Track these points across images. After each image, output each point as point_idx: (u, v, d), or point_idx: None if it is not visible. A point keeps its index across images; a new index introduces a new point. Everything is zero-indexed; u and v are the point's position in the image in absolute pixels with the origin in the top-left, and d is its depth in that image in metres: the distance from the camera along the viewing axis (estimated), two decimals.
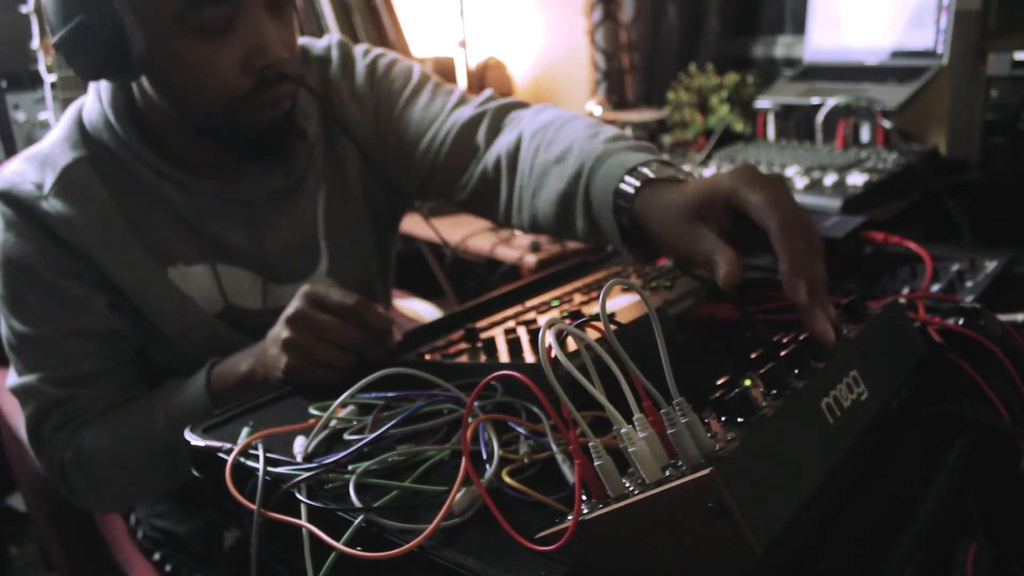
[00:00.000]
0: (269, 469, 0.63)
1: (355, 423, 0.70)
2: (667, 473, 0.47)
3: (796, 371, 0.56)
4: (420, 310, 1.81)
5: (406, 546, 0.52)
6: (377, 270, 1.16)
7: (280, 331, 0.84)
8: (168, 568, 1.11)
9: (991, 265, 0.96)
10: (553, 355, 0.48)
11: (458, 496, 0.55)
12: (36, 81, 2.01)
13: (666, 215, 0.72)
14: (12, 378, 0.99)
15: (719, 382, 0.58)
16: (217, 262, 1.01)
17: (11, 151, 2.05)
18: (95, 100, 0.97)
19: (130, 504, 1.14)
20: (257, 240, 1.02)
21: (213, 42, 0.85)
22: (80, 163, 0.95)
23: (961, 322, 0.73)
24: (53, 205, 0.93)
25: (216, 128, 0.93)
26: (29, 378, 0.96)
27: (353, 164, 1.09)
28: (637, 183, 0.76)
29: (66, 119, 1.00)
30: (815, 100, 1.84)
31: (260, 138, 0.95)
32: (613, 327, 0.49)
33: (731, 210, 0.68)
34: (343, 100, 1.08)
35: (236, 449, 0.66)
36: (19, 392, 0.98)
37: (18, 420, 1.09)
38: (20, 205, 0.94)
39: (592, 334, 0.52)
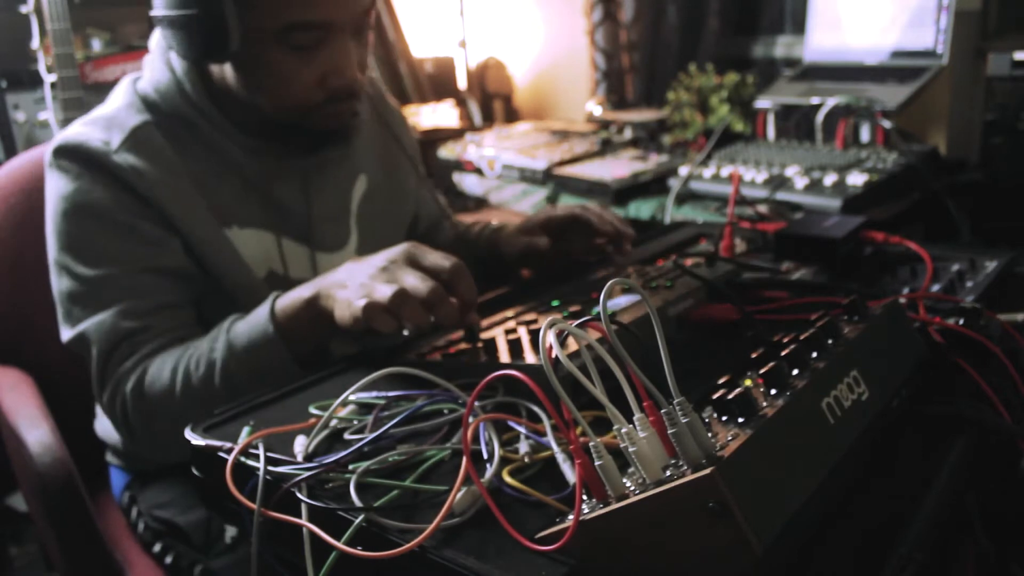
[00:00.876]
0: (270, 468, 0.63)
1: (355, 423, 0.70)
2: (668, 473, 0.47)
3: (796, 371, 0.56)
4: None
5: (406, 546, 0.52)
6: None
7: (371, 271, 0.84)
8: (168, 560, 1.11)
9: (991, 265, 0.96)
10: (554, 355, 0.48)
11: (458, 496, 0.55)
12: (36, 81, 2.01)
13: (502, 235, 1.22)
14: (71, 329, 0.99)
15: (719, 382, 0.58)
16: (270, 227, 1.07)
17: (11, 151, 2.05)
18: (163, 69, 1.03)
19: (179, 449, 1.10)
20: (308, 205, 1.10)
21: (300, 57, 0.95)
22: (147, 125, 1.01)
23: (961, 322, 0.73)
24: (124, 159, 0.98)
25: (282, 121, 1.02)
26: (100, 316, 0.96)
27: (394, 167, 1.23)
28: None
29: (122, 91, 1.06)
30: (815, 100, 1.84)
31: (319, 135, 1.07)
32: (614, 327, 0.49)
33: (542, 225, 1.16)
34: (392, 114, 1.26)
35: (236, 448, 0.66)
36: (85, 335, 0.97)
37: (21, 417, 1.09)
38: (91, 158, 0.98)
39: (593, 334, 0.52)
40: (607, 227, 1.13)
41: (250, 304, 1.00)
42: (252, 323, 0.92)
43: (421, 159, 1.33)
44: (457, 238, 1.32)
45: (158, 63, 1.04)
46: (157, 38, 1.07)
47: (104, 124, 1.01)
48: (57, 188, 1.00)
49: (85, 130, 1.01)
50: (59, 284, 1.00)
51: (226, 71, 1.00)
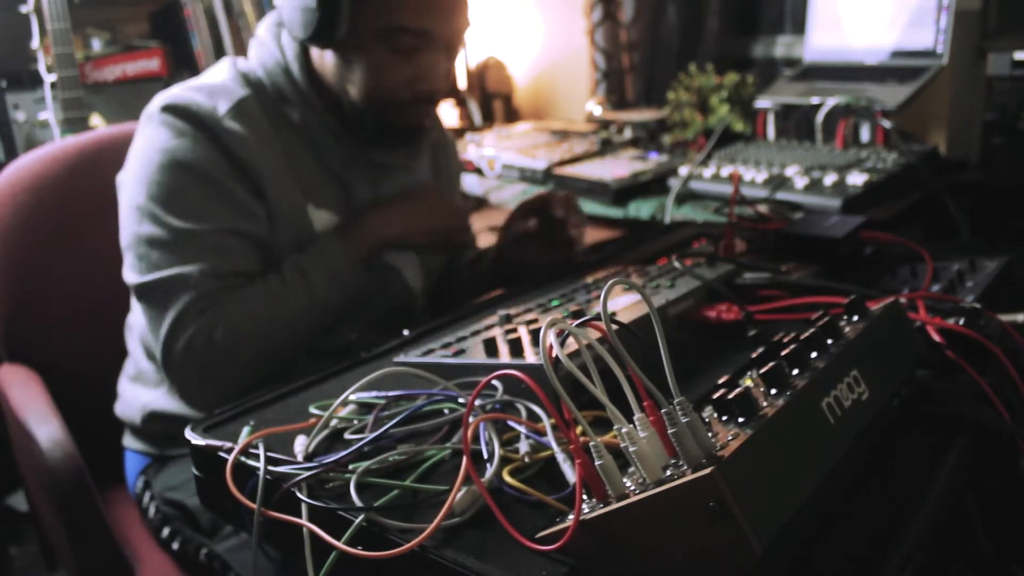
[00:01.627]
0: (270, 468, 0.63)
1: (355, 422, 0.70)
2: (668, 473, 0.47)
3: (796, 371, 0.56)
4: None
5: (407, 545, 0.52)
6: (439, 266, 1.33)
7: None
8: (175, 546, 1.11)
9: (991, 265, 0.96)
10: (554, 355, 0.48)
11: (459, 496, 0.55)
12: (36, 81, 2.00)
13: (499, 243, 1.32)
14: (147, 273, 1.01)
15: (719, 382, 0.58)
16: (340, 213, 1.14)
17: (11, 151, 2.05)
18: (274, 49, 1.12)
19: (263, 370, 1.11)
20: (374, 199, 1.18)
21: (395, 58, 1.05)
22: (250, 98, 1.09)
23: (961, 322, 0.73)
24: (230, 124, 1.05)
25: (364, 110, 1.10)
26: (185, 268, 1.00)
27: (445, 177, 1.34)
28: None
29: (224, 67, 1.14)
30: (815, 100, 1.84)
31: (394, 133, 1.14)
32: (614, 327, 0.49)
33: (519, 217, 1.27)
34: (448, 143, 1.38)
35: (237, 448, 0.66)
36: (165, 284, 1.00)
37: (30, 412, 1.09)
38: (197, 118, 1.04)
39: (593, 334, 0.52)
40: (560, 207, 1.21)
41: None
42: (320, 240, 1.10)
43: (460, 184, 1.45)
44: (468, 267, 1.39)
45: (269, 44, 1.12)
46: (269, 24, 1.15)
47: (210, 92, 1.07)
48: (158, 140, 1.04)
49: (191, 94, 1.06)
50: (139, 228, 1.03)
51: (326, 58, 1.08)
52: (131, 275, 1.04)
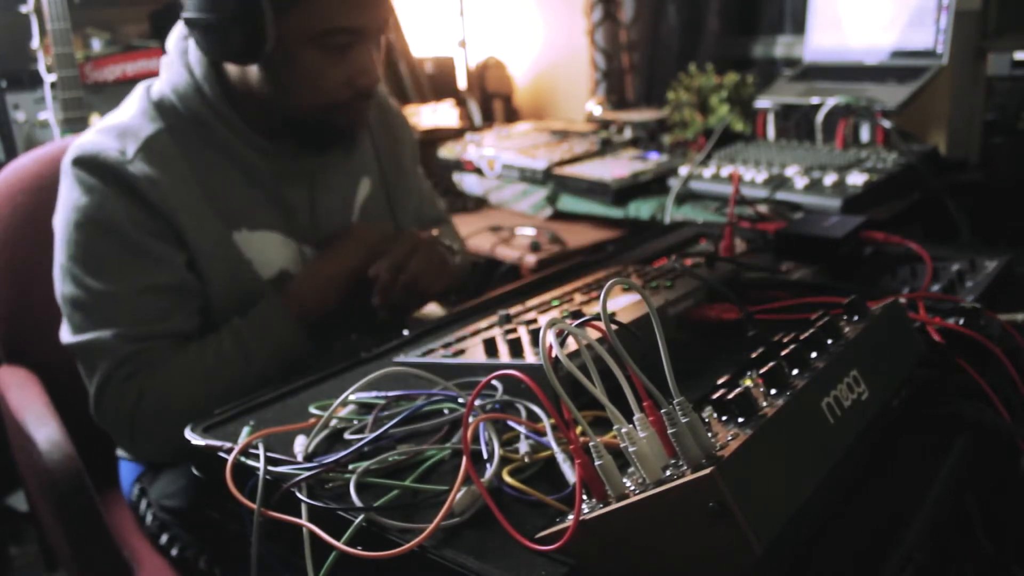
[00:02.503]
0: (270, 468, 0.63)
1: (355, 423, 0.70)
2: (668, 473, 0.47)
3: (796, 371, 0.56)
4: (423, 309, 1.81)
5: (406, 546, 0.52)
6: None
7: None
8: (174, 552, 1.11)
9: (991, 265, 0.96)
10: (554, 355, 0.48)
11: (458, 496, 0.55)
12: (36, 81, 2.00)
13: None
14: (73, 335, 1.02)
15: (719, 382, 0.58)
16: (280, 229, 1.11)
17: (11, 151, 2.05)
18: (182, 71, 1.06)
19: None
20: (312, 206, 1.14)
21: (333, 59, 1.01)
22: (160, 134, 1.04)
23: (961, 322, 0.73)
24: (139, 168, 1.00)
25: (301, 120, 1.06)
26: (102, 333, 1.00)
27: (397, 169, 1.26)
28: None
29: (136, 98, 1.09)
30: (815, 100, 1.84)
31: (336, 133, 1.10)
32: (614, 327, 0.49)
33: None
34: (395, 117, 1.30)
35: (236, 448, 0.66)
36: (87, 347, 1.01)
37: (28, 414, 1.09)
38: (105, 169, 1.00)
39: (593, 334, 0.52)
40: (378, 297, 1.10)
41: (237, 311, 1.06)
42: (260, 305, 1.05)
43: (420, 160, 1.36)
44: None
45: (176, 65, 1.07)
46: (175, 40, 1.09)
47: (119, 133, 1.03)
48: (71, 197, 1.02)
49: (100, 139, 1.03)
50: (63, 288, 1.03)
51: (249, 72, 1.03)
52: (62, 333, 1.04)
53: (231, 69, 1.05)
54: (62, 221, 1.03)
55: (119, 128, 1.04)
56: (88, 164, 1.01)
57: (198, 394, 1.00)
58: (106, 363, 1.01)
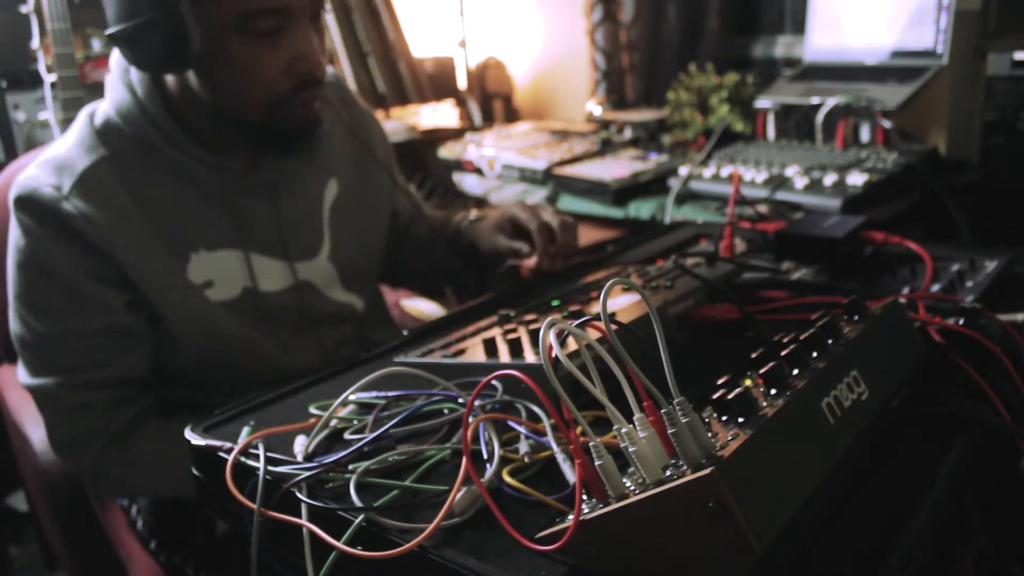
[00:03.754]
0: (269, 468, 0.63)
1: (355, 423, 0.70)
2: (668, 473, 0.47)
3: (796, 371, 0.56)
4: (424, 309, 1.81)
5: (406, 546, 0.52)
6: (375, 268, 1.25)
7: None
8: (163, 558, 1.12)
9: (991, 265, 0.96)
10: (554, 355, 0.48)
11: (458, 496, 0.55)
12: (36, 81, 2.00)
13: (478, 232, 1.26)
14: (25, 376, 1.01)
15: (719, 382, 0.58)
16: (241, 245, 1.06)
17: (11, 151, 2.05)
18: (123, 91, 1.02)
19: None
20: (276, 216, 1.09)
21: (263, 46, 0.94)
22: (99, 165, 1.00)
23: (961, 322, 0.73)
24: (74, 205, 0.96)
25: (251, 122, 1.00)
26: (47, 381, 0.99)
27: (365, 168, 1.22)
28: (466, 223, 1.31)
29: (78, 125, 1.05)
30: (815, 100, 1.84)
31: (289, 134, 1.03)
32: (614, 327, 0.49)
33: (513, 224, 1.19)
34: (360, 116, 1.25)
35: (236, 448, 0.66)
36: (36, 392, 1.01)
37: (26, 415, 1.09)
38: (41, 208, 0.97)
39: (593, 334, 0.52)
40: (541, 262, 1.12)
41: (205, 338, 1.03)
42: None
43: (394, 156, 1.33)
44: (434, 231, 1.32)
45: (118, 84, 1.03)
46: (116, 59, 1.05)
47: (56, 166, 1.00)
48: (13, 237, 1.00)
49: (37, 174, 0.99)
50: (13, 326, 1.02)
51: (189, 80, 0.99)
52: (18, 371, 1.04)
53: (171, 82, 1.01)
54: (8, 260, 1.01)
55: (57, 161, 1.00)
56: (25, 203, 0.98)
57: (158, 476, 1.01)
58: (51, 413, 1.00)
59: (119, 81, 1.03)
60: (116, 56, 1.05)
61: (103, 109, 1.04)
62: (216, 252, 1.04)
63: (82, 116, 1.05)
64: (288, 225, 1.10)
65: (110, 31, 0.94)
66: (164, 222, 1.01)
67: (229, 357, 1.05)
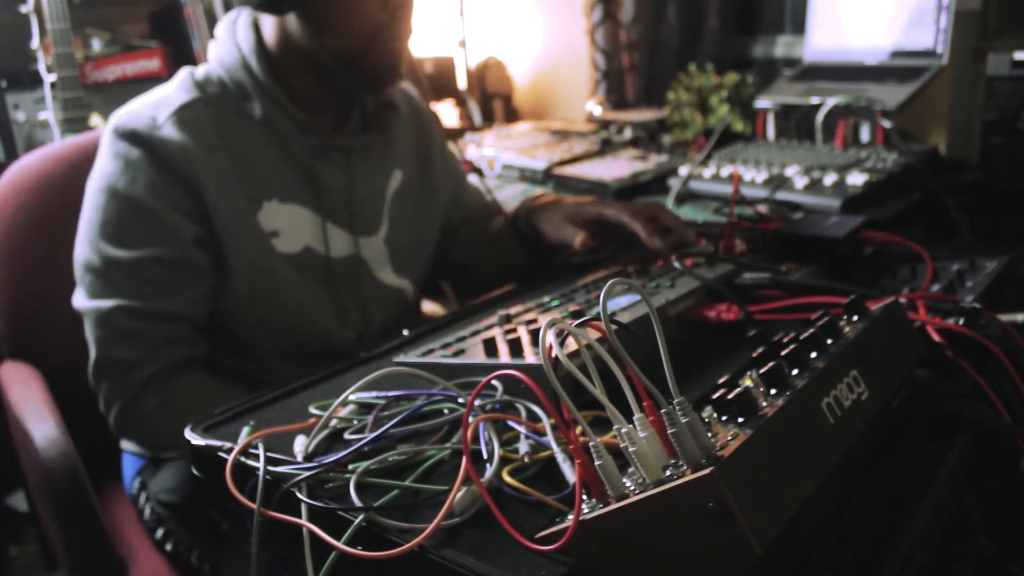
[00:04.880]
0: (269, 468, 0.63)
1: (355, 423, 0.70)
2: (668, 473, 0.47)
3: (796, 371, 0.56)
4: (423, 308, 1.82)
5: (406, 546, 0.52)
6: (426, 261, 1.31)
7: None
8: (169, 547, 1.12)
9: (991, 265, 0.96)
10: (554, 355, 0.48)
11: (458, 496, 0.55)
12: (36, 81, 2.00)
13: (546, 215, 1.24)
14: (83, 299, 1.06)
15: (719, 382, 0.58)
16: (313, 205, 1.13)
17: (11, 151, 2.05)
18: (231, 49, 1.11)
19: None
20: (348, 187, 1.16)
21: None
22: (194, 103, 1.08)
23: (961, 322, 0.73)
24: (167, 132, 1.04)
25: (347, 58, 1.09)
26: (105, 303, 1.04)
27: (428, 167, 1.30)
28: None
29: (178, 77, 1.14)
30: (815, 100, 1.84)
31: (379, 72, 1.12)
32: (614, 327, 0.49)
33: (591, 222, 1.16)
34: (428, 118, 1.35)
35: (236, 448, 0.66)
36: (92, 314, 1.05)
37: (27, 412, 1.10)
38: (135, 136, 1.04)
39: (593, 334, 0.52)
40: (653, 246, 1.05)
41: (264, 283, 1.09)
42: None
43: (456, 156, 1.41)
44: (504, 228, 1.34)
45: (227, 44, 1.12)
46: (224, 25, 1.14)
47: (154, 103, 1.08)
48: (101, 163, 1.07)
49: (137, 108, 1.08)
50: (79, 249, 1.07)
51: (289, 30, 1.08)
52: (75, 295, 1.08)
53: (272, 39, 1.10)
54: (91, 184, 1.08)
55: (156, 100, 1.09)
56: (120, 131, 1.05)
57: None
58: (101, 335, 1.04)
59: (228, 41, 1.12)
60: (225, 23, 1.15)
61: (203, 68, 1.13)
62: (288, 204, 1.11)
63: (182, 72, 1.14)
64: (356, 199, 1.17)
65: None
66: (245, 165, 1.09)
67: (282, 311, 1.10)
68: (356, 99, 1.20)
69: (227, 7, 2.27)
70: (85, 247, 1.06)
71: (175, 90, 1.10)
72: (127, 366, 1.04)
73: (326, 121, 1.16)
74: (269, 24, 1.11)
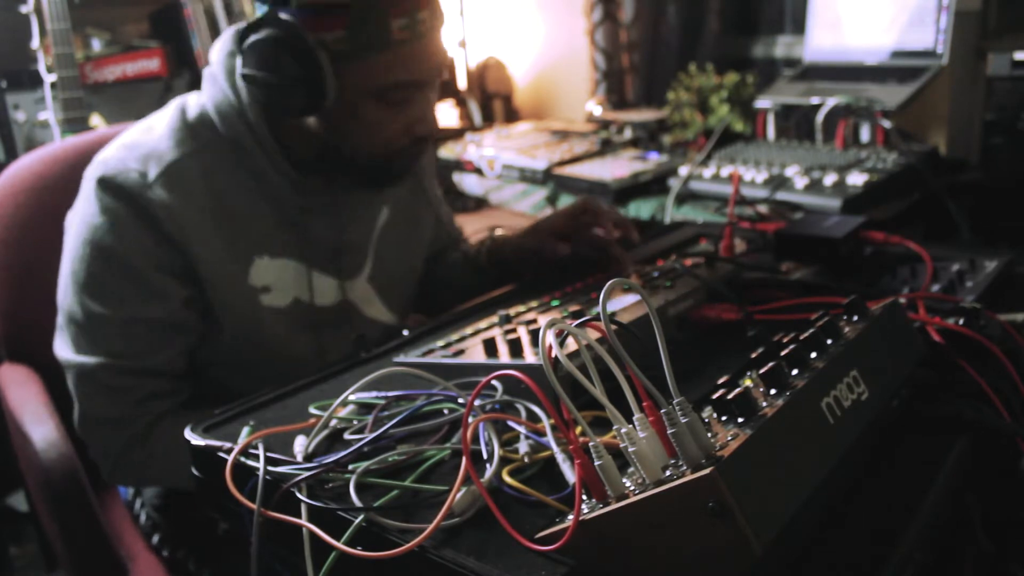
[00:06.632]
0: (269, 468, 0.63)
1: (355, 423, 0.70)
2: (667, 473, 0.47)
3: (796, 371, 0.56)
4: None
5: (406, 546, 0.52)
6: (412, 290, 1.29)
7: None
8: (165, 553, 1.12)
9: (991, 265, 0.96)
10: (554, 355, 0.48)
11: (458, 496, 0.55)
12: (36, 81, 2.00)
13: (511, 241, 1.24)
14: (67, 351, 1.03)
15: (719, 382, 0.58)
16: (300, 258, 1.10)
17: (11, 151, 2.05)
18: (228, 92, 1.03)
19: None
20: (338, 236, 1.13)
21: (391, 110, 1.00)
22: (186, 159, 1.02)
23: (961, 322, 0.73)
24: (157, 194, 0.99)
25: (360, 164, 1.05)
26: (90, 360, 1.01)
27: (414, 197, 1.27)
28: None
29: (169, 114, 1.07)
30: (815, 100, 1.84)
31: (392, 175, 1.09)
32: (613, 327, 0.49)
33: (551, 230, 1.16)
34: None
35: (236, 448, 0.66)
36: (76, 369, 1.02)
37: (27, 414, 1.10)
38: (123, 192, 0.99)
39: (593, 334, 0.52)
40: (612, 215, 1.12)
41: (253, 338, 1.06)
42: None
43: (437, 182, 1.38)
44: (464, 259, 1.34)
45: (222, 83, 1.04)
46: (222, 55, 1.06)
47: (143, 153, 1.02)
48: (87, 213, 1.01)
49: (124, 157, 1.02)
50: (62, 298, 1.03)
51: (306, 119, 1.02)
52: (55, 343, 1.05)
53: None
54: (74, 232, 1.02)
55: (145, 148, 1.03)
56: (108, 185, 1.00)
57: (177, 468, 0.98)
58: (85, 392, 1.02)
59: (225, 81, 1.04)
60: (222, 53, 1.06)
61: (198, 102, 1.06)
62: (278, 260, 1.08)
63: (174, 105, 1.08)
64: (345, 245, 1.14)
65: (246, 72, 0.97)
66: (237, 223, 1.04)
67: (270, 361, 1.08)
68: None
69: (227, 7, 2.27)
70: (69, 297, 1.02)
71: (165, 137, 1.03)
72: (113, 424, 1.02)
73: (318, 177, 1.10)
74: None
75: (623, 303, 0.84)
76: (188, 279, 1.02)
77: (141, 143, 1.03)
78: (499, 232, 1.33)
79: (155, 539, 1.14)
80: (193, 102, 1.07)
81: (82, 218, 1.02)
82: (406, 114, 1.01)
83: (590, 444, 0.49)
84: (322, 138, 1.03)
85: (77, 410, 1.03)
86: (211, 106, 1.05)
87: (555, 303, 0.92)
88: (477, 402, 0.69)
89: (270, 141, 1.03)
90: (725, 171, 1.69)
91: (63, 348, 1.03)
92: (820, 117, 1.80)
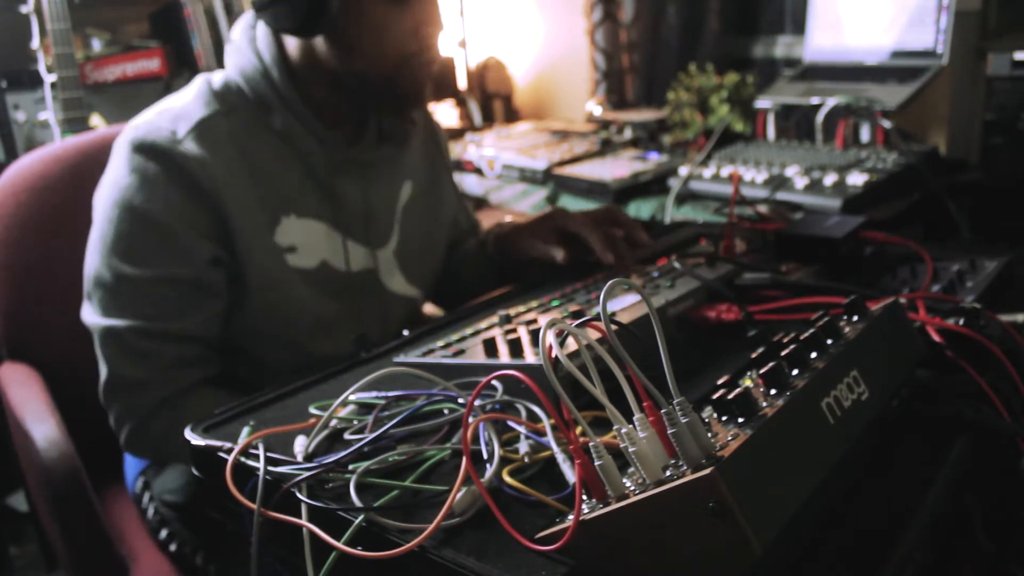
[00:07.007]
0: (270, 468, 0.63)
1: (355, 423, 0.70)
2: (668, 473, 0.47)
3: (796, 371, 0.56)
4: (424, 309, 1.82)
5: (406, 546, 0.52)
6: (435, 271, 1.32)
7: None
8: (173, 548, 1.12)
9: (991, 265, 0.96)
10: (554, 355, 0.48)
11: (458, 496, 0.55)
12: (36, 81, 2.01)
13: (513, 237, 1.22)
14: (93, 315, 1.04)
15: (719, 382, 0.58)
16: (327, 220, 1.12)
17: (11, 151, 2.05)
18: (250, 56, 1.08)
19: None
20: (364, 200, 1.15)
21: (397, 9, 1.02)
22: (214, 117, 1.05)
23: (961, 322, 0.73)
24: (189, 148, 1.02)
25: (374, 82, 1.07)
26: (118, 322, 1.02)
27: (437, 180, 1.31)
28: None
29: (195, 86, 1.10)
30: (815, 100, 1.84)
31: (405, 97, 1.10)
32: (614, 327, 0.49)
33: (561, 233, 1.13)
34: (439, 133, 1.34)
35: (236, 448, 0.66)
36: (103, 332, 1.03)
37: (27, 412, 1.10)
38: (155, 150, 1.01)
39: (593, 334, 0.52)
40: (606, 258, 1.05)
41: (279, 300, 1.07)
42: None
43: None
44: (477, 250, 1.35)
45: (245, 50, 1.08)
46: (242, 29, 1.11)
47: (173, 116, 1.05)
48: (117, 175, 1.03)
49: (155, 119, 1.04)
50: (92, 265, 1.05)
51: (315, 48, 1.05)
52: (83, 309, 1.06)
53: (295, 52, 1.07)
54: (104, 196, 1.04)
55: (174, 111, 1.06)
56: (137, 143, 1.02)
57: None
58: (112, 356, 1.02)
59: (247, 48, 1.08)
60: (243, 27, 1.11)
61: (222, 75, 1.10)
62: (305, 220, 1.10)
63: (199, 80, 1.10)
64: (371, 212, 1.16)
65: (256, 2, 1.01)
66: (264, 181, 1.06)
67: (296, 326, 1.09)
68: (374, 113, 1.19)
69: (227, 7, 2.27)
70: (96, 261, 1.03)
71: (193, 101, 1.07)
72: (138, 388, 1.02)
73: (344, 134, 1.13)
74: (292, 36, 1.08)
75: (623, 303, 0.84)
76: (218, 237, 1.03)
77: (169, 108, 1.06)
78: (508, 220, 1.34)
79: (163, 534, 1.14)
80: (218, 76, 1.10)
81: (111, 182, 1.04)
82: (412, 14, 1.03)
83: (590, 444, 0.49)
84: (333, 62, 1.05)
85: (103, 373, 1.04)
86: (236, 72, 1.09)
87: (555, 303, 0.92)
88: (477, 402, 0.69)
89: (295, 97, 1.06)
90: (725, 171, 1.69)
91: (90, 314, 1.05)
92: (820, 117, 1.80)
